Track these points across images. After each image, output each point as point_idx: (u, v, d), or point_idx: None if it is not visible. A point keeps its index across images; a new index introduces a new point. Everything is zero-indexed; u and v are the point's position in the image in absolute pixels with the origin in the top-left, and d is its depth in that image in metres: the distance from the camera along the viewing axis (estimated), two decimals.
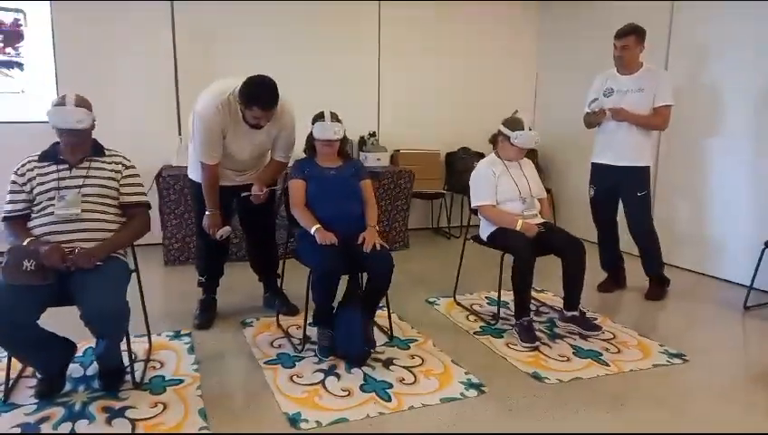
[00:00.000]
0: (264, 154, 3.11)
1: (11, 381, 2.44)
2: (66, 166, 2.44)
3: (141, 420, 2.24)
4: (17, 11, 3.70)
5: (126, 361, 2.54)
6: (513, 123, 3.25)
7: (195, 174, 3.11)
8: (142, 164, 2.77)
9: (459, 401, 2.43)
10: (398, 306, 3.45)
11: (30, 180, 2.40)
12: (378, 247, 2.75)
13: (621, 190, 3.77)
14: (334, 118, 2.92)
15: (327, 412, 2.31)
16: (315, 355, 2.80)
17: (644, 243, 3.78)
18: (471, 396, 2.47)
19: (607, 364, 2.79)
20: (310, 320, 2.88)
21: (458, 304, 3.59)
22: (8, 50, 3.71)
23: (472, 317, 3.37)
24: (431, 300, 3.65)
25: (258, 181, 3.04)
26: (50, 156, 2.47)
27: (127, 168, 2.56)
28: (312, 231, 2.77)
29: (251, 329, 3.15)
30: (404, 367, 2.71)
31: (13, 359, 2.39)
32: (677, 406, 2.42)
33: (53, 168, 2.43)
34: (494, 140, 3.35)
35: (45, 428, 2.15)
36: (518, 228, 3.10)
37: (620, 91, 3.66)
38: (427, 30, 5.43)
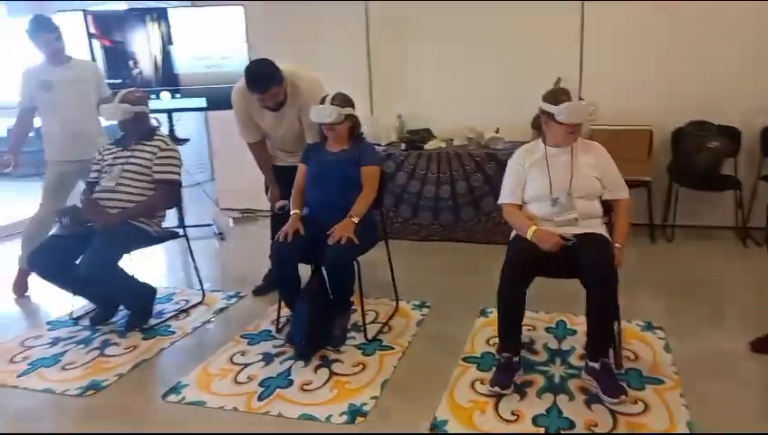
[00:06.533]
0: (302, 134, 3.17)
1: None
2: (122, 147, 3.12)
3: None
4: None
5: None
6: (556, 96, 2.43)
7: None
8: None
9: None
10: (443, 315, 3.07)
11: (102, 160, 3.15)
12: (343, 241, 2.56)
13: None
14: (335, 100, 2.78)
15: None
16: None
17: None
18: (340, 421, 2.17)
19: None
20: None
21: None
22: None
23: (493, 341, 2.74)
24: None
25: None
26: (118, 140, 3.19)
27: (163, 149, 3.08)
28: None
29: None
30: (340, 373, 2.50)
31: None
32: None
33: (114, 148, 3.14)
34: (537, 124, 2.58)
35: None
36: (529, 236, 2.38)
37: None
38: None
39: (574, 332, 2.77)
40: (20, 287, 3.57)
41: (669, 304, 3.11)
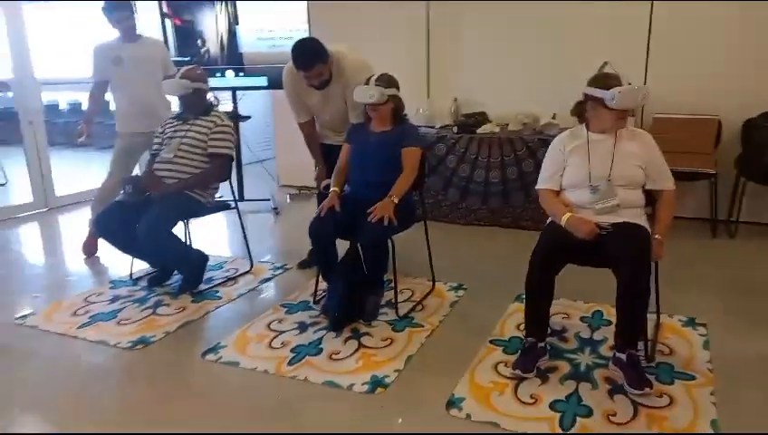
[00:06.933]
0: (347, 114, 3.23)
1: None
2: (181, 121, 3.31)
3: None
4: None
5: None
6: (605, 80, 2.38)
7: None
8: None
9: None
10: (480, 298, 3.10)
11: (163, 133, 3.35)
12: (385, 221, 2.63)
13: None
14: (379, 81, 2.83)
15: None
16: None
17: None
18: (361, 390, 2.25)
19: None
20: None
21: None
22: None
23: (523, 326, 2.72)
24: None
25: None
26: (179, 114, 3.38)
27: (218, 125, 3.24)
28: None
29: None
30: (368, 346, 2.58)
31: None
32: None
33: (175, 122, 3.33)
34: (579, 111, 2.53)
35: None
36: (563, 223, 2.36)
37: None
38: None
39: (609, 322, 2.72)
40: (89, 249, 3.87)
41: (719, 303, 2.98)
